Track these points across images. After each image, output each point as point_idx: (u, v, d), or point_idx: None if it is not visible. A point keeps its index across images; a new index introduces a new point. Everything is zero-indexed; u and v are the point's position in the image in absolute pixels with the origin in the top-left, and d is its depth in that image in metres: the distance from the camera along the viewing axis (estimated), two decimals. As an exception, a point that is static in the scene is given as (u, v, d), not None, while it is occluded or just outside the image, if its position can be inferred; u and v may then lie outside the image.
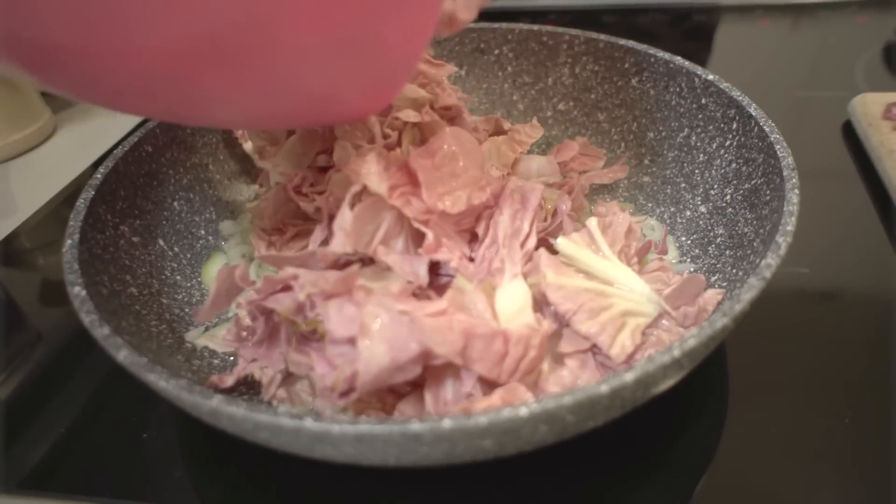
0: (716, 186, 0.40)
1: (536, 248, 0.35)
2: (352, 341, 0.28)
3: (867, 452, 0.31)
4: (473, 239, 0.36)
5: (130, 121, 0.66)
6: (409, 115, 0.38)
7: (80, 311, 0.28)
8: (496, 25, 0.51)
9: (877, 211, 0.46)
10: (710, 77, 0.41)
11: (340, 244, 0.31)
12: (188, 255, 0.42)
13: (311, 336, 0.31)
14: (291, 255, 0.33)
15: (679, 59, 0.43)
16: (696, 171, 0.43)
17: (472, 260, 0.34)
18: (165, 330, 0.36)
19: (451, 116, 0.42)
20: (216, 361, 0.36)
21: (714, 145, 0.41)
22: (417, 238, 0.34)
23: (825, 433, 0.32)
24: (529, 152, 0.48)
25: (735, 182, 0.38)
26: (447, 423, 0.22)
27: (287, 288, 0.31)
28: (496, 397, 0.27)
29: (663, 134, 0.45)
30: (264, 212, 0.41)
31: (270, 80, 0.25)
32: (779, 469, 0.31)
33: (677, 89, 0.44)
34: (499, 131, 0.47)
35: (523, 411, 0.22)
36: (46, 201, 0.55)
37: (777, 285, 0.36)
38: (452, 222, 0.35)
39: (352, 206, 0.32)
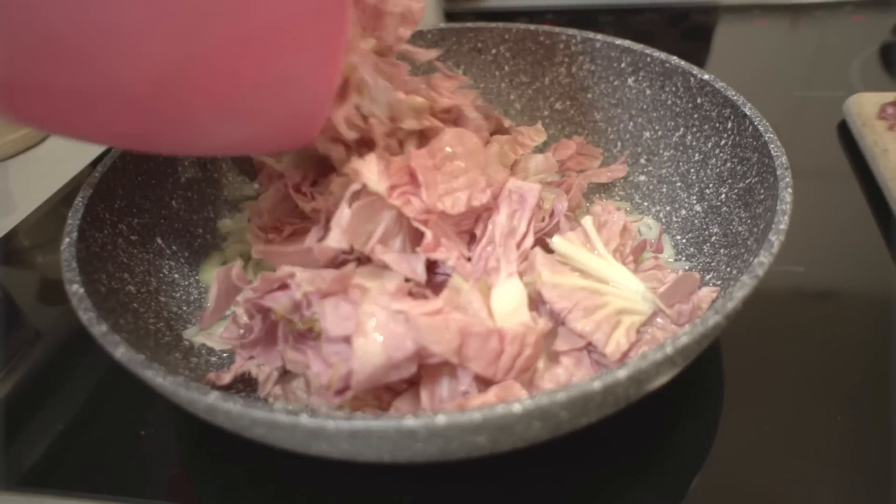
0: (711, 185, 0.41)
1: (532, 247, 0.35)
2: (347, 340, 0.28)
3: (860, 450, 0.32)
4: (472, 240, 0.36)
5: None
6: (412, 125, 0.38)
7: (78, 309, 0.29)
8: (493, 25, 0.51)
9: (871, 210, 0.46)
10: (706, 77, 0.41)
11: (336, 240, 0.31)
12: (186, 254, 0.42)
13: (307, 334, 0.32)
14: (289, 250, 0.34)
15: (675, 59, 0.43)
16: (692, 170, 0.43)
17: (469, 260, 0.35)
18: (163, 327, 0.36)
19: (452, 118, 0.42)
20: (214, 359, 0.37)
21: (709, 144, 0.41)
22: (416, 237, 0.34)
23: (818, 431, 0.33)
24: (528, 151, 0.48)
25: (730, 181, 0.39)
26: (441, 419, 0.22)
27: (284, 286, 0.31)
28: (491, 394, 0.28)
29: (659, 133, 0.46)
30: (262, 210, 0.41)
31: (186, 130, 0.27)
32: (772, 467, 0.31)
33: (673, 89, 0.44)
34: (499, 129, 0.47)
35: (517, 407, 0.22)
36: (45, 200, 0.55)
37: (771, 284, 0.37)
38: (452, 223, 0.35)
39: (350, 204, 0.32)
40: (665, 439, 0.33)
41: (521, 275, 0.33)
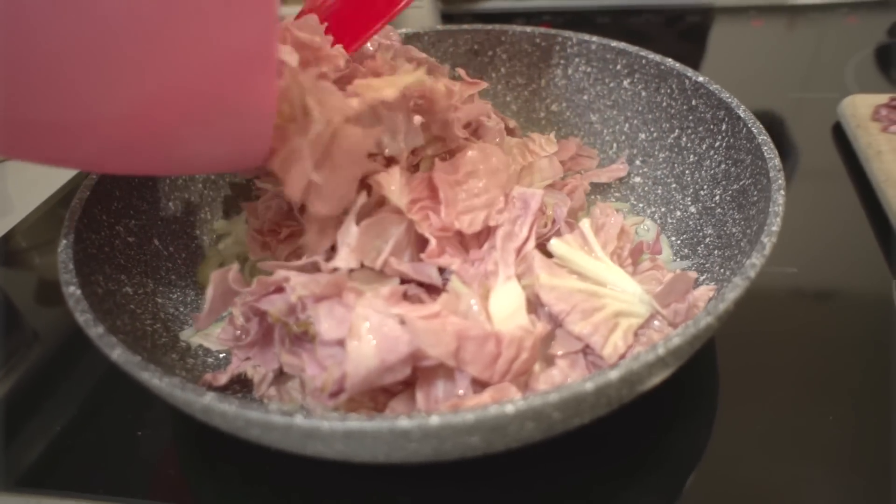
0: (705, 187, 0.41)
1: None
2: (341, 343, 0.29)
3: (853, 450, 0.32)
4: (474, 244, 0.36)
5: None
6: (438, 149, 0.38)
7: (75, 311, 0.29)
8: (490, 27, 0.52)
9: (865, 212, 0.46)
10: (701, 79, 0.41)
11: (345, 260, 0.31)
12: (183, 255, 0.42)
13: (302, 337, 0.32)
14: (293, 265, 0.33)
15: (670, 61, 0.44)
16: (687, 171, 0.43)
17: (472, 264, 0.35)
18: (160, 329, 0.36)
19: (471, 130, 0.41)
20: (210, 360, 0.37)
21: (704, 146, 0.41)
22: (420, 243, 0.34)
23: (812, 432, 0.33)
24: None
25: (724, 183, 0.39)
26: (435, 420, 0.22)
27: (279, 290, 0.32)
28: (486, 395, 0.28)
29: (654, 135, 0.46)
30: (259, 212, 0.41)
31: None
32: (767, 467, 0.31)
33: (668, 91, 0.44)
34: (505, 130, 0.47)
35: (510, 408, 0.22)
36: (43, 201, 0.55)
37: (766, 285, 0.37)
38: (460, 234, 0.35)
39: (357, 220, 0.32)
40: (660, 440, 0.33)
41: (519, 277, 0.34)
